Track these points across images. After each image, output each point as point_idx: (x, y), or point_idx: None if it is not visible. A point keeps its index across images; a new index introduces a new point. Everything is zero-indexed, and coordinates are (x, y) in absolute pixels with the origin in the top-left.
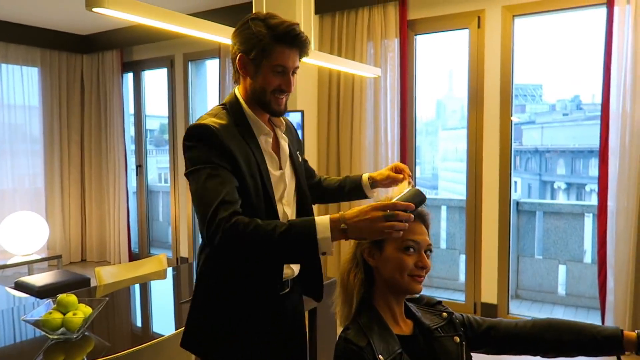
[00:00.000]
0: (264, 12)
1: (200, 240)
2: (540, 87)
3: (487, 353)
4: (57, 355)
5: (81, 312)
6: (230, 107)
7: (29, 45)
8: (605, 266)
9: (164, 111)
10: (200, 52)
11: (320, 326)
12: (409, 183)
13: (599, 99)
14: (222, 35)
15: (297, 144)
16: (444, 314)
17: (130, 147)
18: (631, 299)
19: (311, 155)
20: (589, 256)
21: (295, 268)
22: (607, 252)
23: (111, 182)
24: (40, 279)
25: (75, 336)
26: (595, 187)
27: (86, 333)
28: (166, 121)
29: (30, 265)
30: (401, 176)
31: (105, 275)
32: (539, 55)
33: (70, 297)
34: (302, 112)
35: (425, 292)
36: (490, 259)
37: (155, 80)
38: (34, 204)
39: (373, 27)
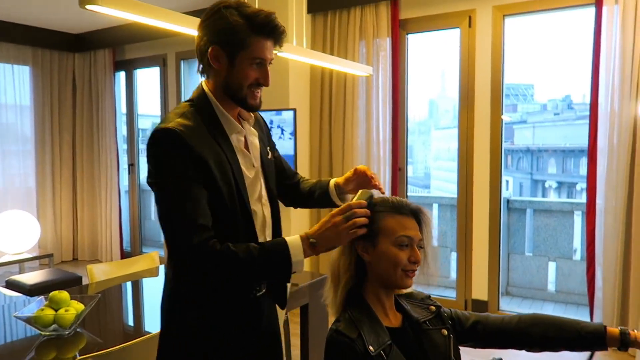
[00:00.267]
0: None
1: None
2: (531, 87)
3: (474, 347)
4: (49, 352)
5: (73, 308)
6: (199, 104)
7: (20, 44)
8: (594, 263)
9: (157, 110)
10: (192, 51)
11: (312, 321)
12: (375, 185)
13: (589, 99)
14: None
15: (267, 140)
16: (432, 307)
17: (123, 146)
18: (619, 296)
19: (303, 154)
20: (578, 253)
21: None
22: (596, 250)
23: (103, 181)
24: (31, 277)
25: (67, 332)
26: (585, 185)
27: (78, 329)
28: (158, 120)
29: (21, 264)
30: (369, 173)
31: (97, 273)
32: (530, 55)
33: (63, 294)
34: (294, 110)
35: (416, 288)
36: (481, 256)
37: (148, 79)
38: (25, 203)
39: (365, 26)
